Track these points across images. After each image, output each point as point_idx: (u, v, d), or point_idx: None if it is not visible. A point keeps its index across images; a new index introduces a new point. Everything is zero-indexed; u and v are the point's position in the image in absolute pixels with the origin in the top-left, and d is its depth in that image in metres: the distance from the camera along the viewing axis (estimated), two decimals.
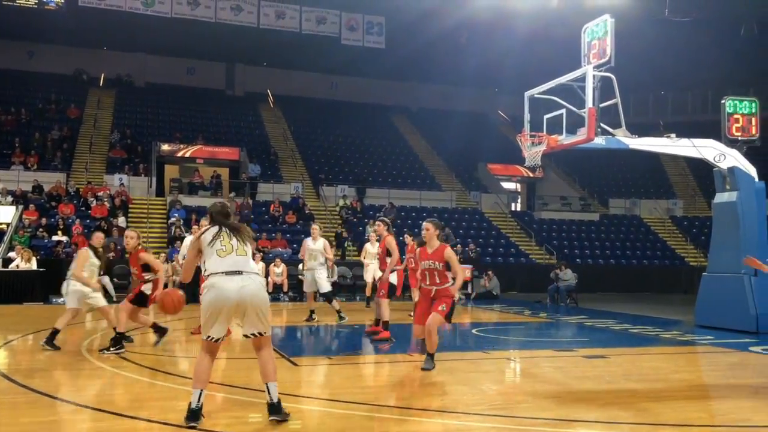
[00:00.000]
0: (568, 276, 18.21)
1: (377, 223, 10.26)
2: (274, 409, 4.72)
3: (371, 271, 14.11)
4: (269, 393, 4.73)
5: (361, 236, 23.28)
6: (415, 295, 11.50)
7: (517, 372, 7.63)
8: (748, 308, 10.78)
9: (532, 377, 7.09)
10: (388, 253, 9.83)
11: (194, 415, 4.58)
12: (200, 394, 4.61)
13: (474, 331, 10.92)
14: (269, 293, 17.79)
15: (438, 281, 6.90)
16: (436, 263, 6.87)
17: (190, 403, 4.62)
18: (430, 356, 6.92)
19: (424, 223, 7.13)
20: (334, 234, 23.07)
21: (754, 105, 12.38)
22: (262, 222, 23.51)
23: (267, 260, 19.12)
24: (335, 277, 18.65)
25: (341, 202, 25.88)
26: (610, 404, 5.55)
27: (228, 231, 4.87)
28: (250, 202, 24.78)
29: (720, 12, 26.77)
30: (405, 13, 28.50)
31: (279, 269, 18.45)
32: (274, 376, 4.77)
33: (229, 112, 33.27)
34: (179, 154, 28.12)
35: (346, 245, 22.67)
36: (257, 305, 4.72)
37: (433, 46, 30.52)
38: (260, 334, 4.77)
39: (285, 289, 18.30)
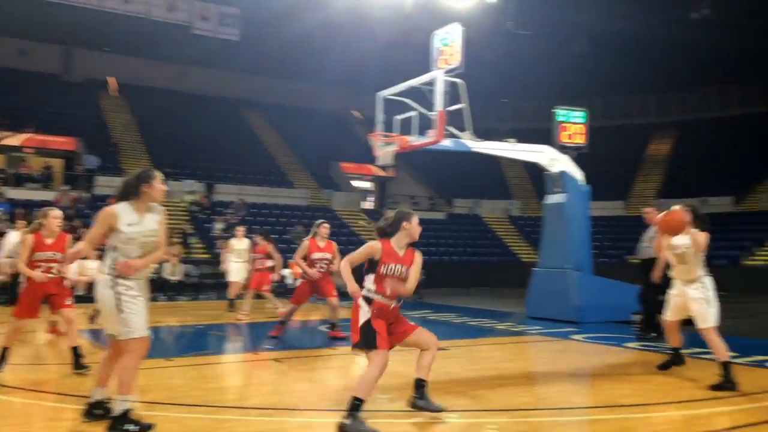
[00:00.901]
0: None
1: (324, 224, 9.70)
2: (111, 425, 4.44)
3: (238, 270, 13.34)
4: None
5: (207, 233, 22.59)
6: (249, 296, 11.51)
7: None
8: (571, 300, 11.79)
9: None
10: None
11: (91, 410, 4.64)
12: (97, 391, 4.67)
13: (322, 327, 10.98)
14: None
15: None
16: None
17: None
18: None
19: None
20: (180, 230, 22.18)
21: (583, 115, 13.60)
22: None
23: None
24: (179, 276, 17.95)
25: (188, 198, 24.91)
26: (448, 393, 5.84)
27: None
28: (87, 195, 23.13)
29: (555, 27, 29.08)
30: (261, 8, 27.99)
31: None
32: (121, 388, 4.45)
33: (66, 98, 30.73)
34: (4, 142, 25.50)
35: (189, 242, 21.87)
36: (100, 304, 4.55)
37: (290, 44, 30.25)
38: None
39: None
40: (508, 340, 9.58)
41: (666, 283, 8.86)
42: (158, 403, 5.28)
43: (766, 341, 10.01)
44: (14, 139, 25.54)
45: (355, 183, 33.19)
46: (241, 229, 13.77)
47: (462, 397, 5.73)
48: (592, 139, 14.41)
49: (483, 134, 13.15)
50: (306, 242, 9.45)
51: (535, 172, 29.11)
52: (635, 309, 10.99)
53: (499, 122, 36.96)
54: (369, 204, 33.97)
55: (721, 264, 23.02)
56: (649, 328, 9.28)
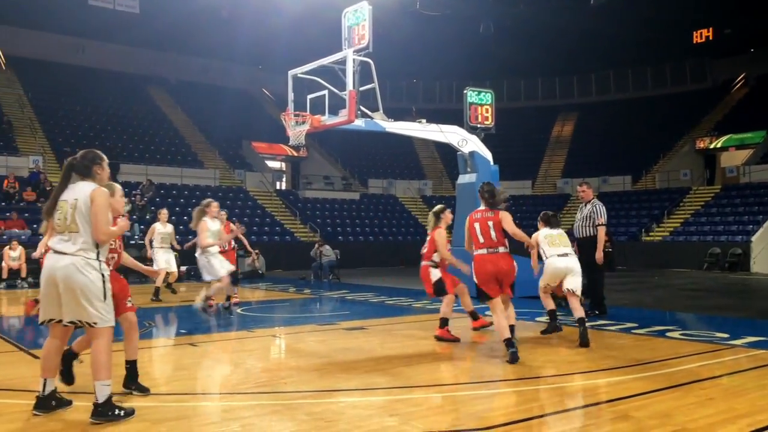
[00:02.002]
0: (329, 252, 18.86)
1: None
2: (96, 412, 4.31)
3: (166, 257, 12.46)
4: (95, 392, 4.34)
5: None
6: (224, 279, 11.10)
7: (282, 348, 7.74)
8: None
9: (296, 352, 7.24)
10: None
11: (42, 403, 4.39)
12: (45, 382, 4.42)
13: (239, 310, 10.81)
14: (3, 280, 15.87)
15: None
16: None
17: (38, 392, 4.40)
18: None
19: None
20: None
21: (490, 96, 13.91)
22: None
23: (1, 243, 16.87)
24: None
25: None
26: (369, 372, 5.90)
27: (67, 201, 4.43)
28: None
29: (463, 10, 29.54)
30: None
31: (15, 252, 16.40)
32: (100, 374, 4.34)
33: None
34: None
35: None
36: (71, 288, 4.25)
37: (194, 18, 29.21)
38: (80, 322, 4.33)
39: (23, 274, 16.34)
40: (426, 318, 9.75)
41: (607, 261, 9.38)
42: (66, 392, 5.03)
43: (664, 312, 10.71)
44: None
45: (268, 163, 32.67)
46: (164, 213, 12.89)
47: (382, 375, 5.80)
48: (500, 120, 14.81)
49: (395, 114, 13.26)
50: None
51: (446, 152, 29.74)
52: None
53: (410, 102, 37.37)
54: (282, 184, 33.56)
55: (621, 240, 24.40)
56: (595, 306, 9.53)
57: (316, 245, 19.23)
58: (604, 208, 9.64)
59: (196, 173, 27.23)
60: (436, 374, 5.90)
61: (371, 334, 8.24)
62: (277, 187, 31.30)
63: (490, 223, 6.71)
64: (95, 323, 4.34)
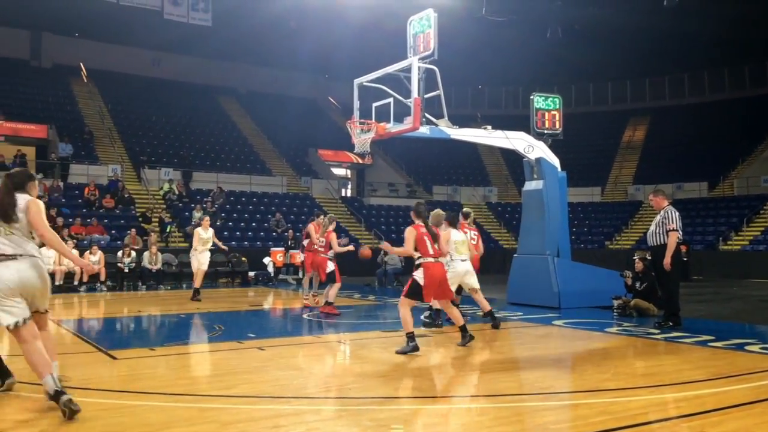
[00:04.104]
0: (393, 259, 18.92)
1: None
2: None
3: (204, 259, 13.69)
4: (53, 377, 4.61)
5: (187, 222, 22.37)
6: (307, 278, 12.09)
7: (347, 354, 7.81)
8: (552, 286, 11.91)
9: (361, 359, 7.29)
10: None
11: (57, 395, 4.52)
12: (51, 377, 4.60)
13: (305, 316, 10.98)
14: (83, 283, 16.65)
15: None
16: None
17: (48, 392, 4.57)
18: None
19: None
20: (157, 219, 21.93)
21: (557, 101, 13.66)
22: (76, 206, 21.69)
23: (82, 247, 17.71)
24: (159, 265, 17.79)
25: (166, 186, 24.62)
26: (432, 379, 5.88)
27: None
28: (61, 184, 22.75)
29: (529, 14, 29.13)
30: None
31: (96, 257, 17.17)
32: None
33: (35, 85, 30.15)
34: None
35: (169, 230, 21.64)
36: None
37: (263, 29, 29.95)
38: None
39: (102, 278, 17.10)
40: (489, 326, 9.64)
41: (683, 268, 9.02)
42: (143, 392, 5.24)
43: (742, 325, 10.22)
44: None
45: (334, 170, 33.09)
46: (207, 220, 14.10)
47: (446, 382, 5.77)
48: (568, 125, 14.53)
49: (460, 121, 13.17)
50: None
51: (512, 158, 29.36)
52: (615, 294, 11.16)
53: (476, 109, 37.12)
54: (348, 191, 33.92)
55: (697, 249, 23.46)
56: (669, 317, 9.24)
57: (382, 252, 19.31)
58: (677, 214, 9.31)
59: (264, 180, 27.85)
60: (499, 384, 5.81)
61: (434, 342, 8.21)
62: (343, 194, 31.65)
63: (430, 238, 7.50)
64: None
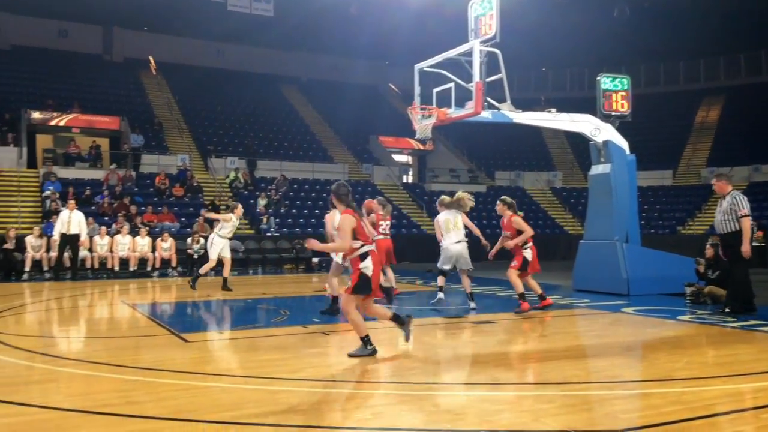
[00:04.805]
0: None
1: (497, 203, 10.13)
2: None
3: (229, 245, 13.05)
4: None
5: (253, 209, 22.87)
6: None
7: (410, 340, 7.82)
8: (620, 272, 11.59)
9: (423, 344, 7.30)
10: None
11: None
12: None
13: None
14: (156, 269, 17.32)
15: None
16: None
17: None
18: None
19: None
20: (224, 207, 22.49)
21: (626, 82, 13.20)
22: (147, 195, 22.51)
23: (154, 234, 18.38)
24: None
25: (232, 175, 25.21)
26: (497, 366, 5.82)
27: None
28: (134, 174, 23.62)
29: None
30: None
31: (167, 244, 17.79)
32: None
33: (108, 78, 31.32)
34: (53, 123, 26.21)
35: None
36: None
37: (323, 16, 30.15)
38: None
39: (173, 264, 17.70)
40: (556, 314, 9.48)
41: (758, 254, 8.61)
42: (214, 374, 5.40)
43: None
44: (61, 120, 26.15)
45: (395, 156, 33.11)
46: (240, 208, 13.36)
47: (512, 370, 5.71)
48: (637, 107, 14.04)
49: (523, 105, 12.92)
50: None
51: (578, 142, 28.66)
52: (687, 281, 10.78)
53: (539, 92, 36.37)
54: (409, 178, 33.90)
55: None
56: (741, 306, 8.84)
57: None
58: (744, 198, 8.91)
59: (326, 168, 28.13)
60: (567, 372, 5.70)
61: (500, 328, 8.14)
62: (404, 181, 31.65)
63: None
64: None
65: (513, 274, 9.58)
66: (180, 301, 11.95)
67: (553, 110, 12.77)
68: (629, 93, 13.16)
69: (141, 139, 26.31)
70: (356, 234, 6.22)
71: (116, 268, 17.20)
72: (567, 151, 35.30)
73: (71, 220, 15.42)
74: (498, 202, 9.82)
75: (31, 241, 16.30)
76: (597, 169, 12.73)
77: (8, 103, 26.38)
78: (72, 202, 16.14)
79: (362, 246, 6.28)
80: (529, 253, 9.63)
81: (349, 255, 6.34)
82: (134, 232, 18.12)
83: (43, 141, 26.53)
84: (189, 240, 18.26)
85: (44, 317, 8.60)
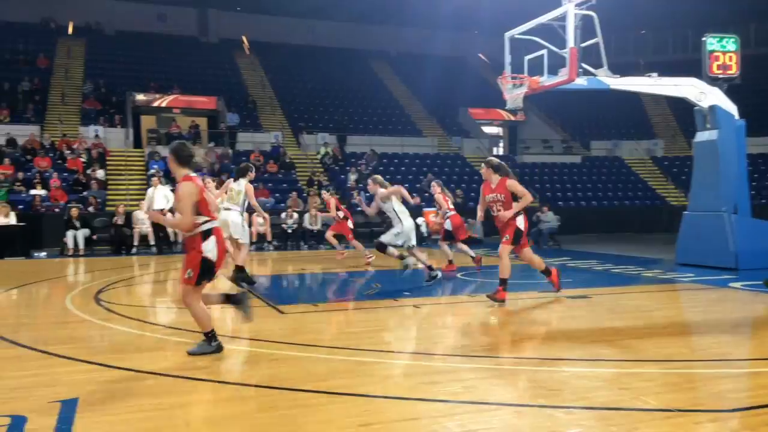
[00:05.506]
0: (549, 218, 18.36)
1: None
2: None
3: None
4: None
5: (343, 184, 23.20)
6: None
7: (502, 314, 7.72)
8: (728, 245, 10.93)
9: (516, 319, 7.18)
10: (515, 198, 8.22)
11: None
12: None
13: (459, 275, 11.00)
14: (252, 243, 17.99)
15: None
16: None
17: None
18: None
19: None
20: (316, 183, 22.94)
21: (734, 42, 12.29)
22: None
23: (249, 210, 18.99)
24: (319, 225, 18.65)
25: (322, 150, 25.64)
26: (594, 342, 5.64)
27: None
28: (230, 152, 24.47)
29: None
30: None
31: (262, 219, 18.36)
32: None
33: (204, 59, 32.47)
34: (155, 104, 27.57)
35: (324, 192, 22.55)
36: None
37: None
38: None
39: (269, 238, 18.29)
40: (657, 288, 9.08)
41: None
42: (307, 345, 5.54)
43: None
44: (163, 101, 27.42)
45: (485, 129, 32.55)
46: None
47: (611, 346, 5.51)
48: (747, 69, 13.07)
49: (621, 70, 12.31)
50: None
51: (681, 108, 27.10)
52: None
53: (638, 56, 34.54)
54: (500, 150, 33.30)
55: None
56: None
57: (540, 210, 18.82)
58: None
59: (415, 142, 28.06)
60: (669, 349, 5.44)
61: (596, 303, 7.88)
62: (495, 153, 31.09)
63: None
64: None
65: (505, 252, 7.76)
66: (276, 274, 12.34)
67: (654, 75, 12.10)
68: (738, 54, 12.25)
69: (236, 117, 27.18)
70: (199, 207, 5.12)
71: None
72: (669, 117, 33.49)
73: (155, 196, 16.19)
74: (483, 164, 8.31)
75: (138, 216, 17.27)
76: (702, 136, 12.01)
77: (115, 86, 27.92)
78: (155, 179, 16.89)
79: (205, 222, 5.19)
80: (521, 222, 7.81)
81: (188, 232, 5.18)
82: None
83: (147, 122, 27.98)
84: (283, 215, 18.76)
85: (151, 289, 9.11)
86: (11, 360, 5.24)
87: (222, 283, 9.10)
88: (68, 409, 3.86)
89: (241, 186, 9.63)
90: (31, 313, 7.60)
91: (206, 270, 5.11)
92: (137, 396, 4.25)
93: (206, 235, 5.13)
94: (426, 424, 3.63)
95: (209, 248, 5.10)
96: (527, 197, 7.73)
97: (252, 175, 9.98)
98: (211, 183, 11.03)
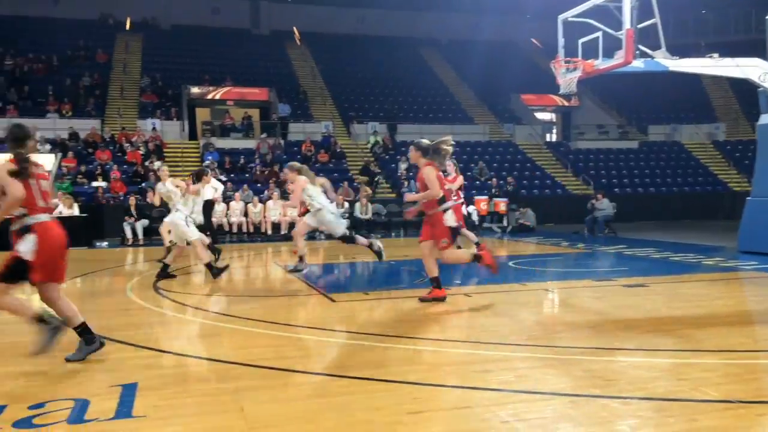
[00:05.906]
0: (605, 205, 17.96)
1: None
2: None
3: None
4: None
5: (394, 173, 23.21)
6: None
7: (556, 303, 7.60)
8: None
9: (570, 307, 7.06)
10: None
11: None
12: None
13: (511, 263, 10.88)
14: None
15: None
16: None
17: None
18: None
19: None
20: (368, 172, 23.02)
21: None
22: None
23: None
24: (369, 215, 18.71)
25: (372, 139, 25.69)
26: (651, 332, 5.50)
27: None
28: (282, 142, 24.78)
29: None
30: None
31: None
32: None
33: (256, 51, 32.91)
34: (209, 97, 28.12)
35: (378, 181, 22.63)
36: None
37: None
38: None
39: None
40: (719, 277, 8.77)
41: None
42: (359, 332, 5.58)
43: None
44: (216, 94, 27.95)
45: (538, 115, 32.01)
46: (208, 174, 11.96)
47: (669, 336, 5.36)
48: None
49: (680, 51, 11.92)
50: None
51: (744, 89, 26.02)
52: None
53: (698, 37, 33.25)
54: (553, 136, 32.70)
55: None
56: None
57: (595, 197, 18.43)
58: None
59: (466, 129, 27.79)
60: (731, 339, 5.26)
61: (653, 292, 7.67)
62: (547, 139, 30.54)
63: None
64: None
65: (450, 256, 7.12)
66: (328, 262, 12.47)
67: (715, 55, 11.67)
68: None
69: (288, 108, 27.49)
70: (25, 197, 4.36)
71: (269, 232, 18.29)
72: (731, 100, 32.23)
73: (205, 189, 16.44)
74: (411, 147, 7.19)
75: None
76: (766, 119, 11.52)
77: (170, 80, 28.61)
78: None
79: (24, 216, 4.46)
80: (451, 218, 6.95)
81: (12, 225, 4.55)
82: (285, 197, 19.05)
83: (202, 114, 28.59)
84: (334, 204, 18.87)
85: (207, 278, 9.32)
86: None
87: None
88: (128, 392, 4.00)
89: (170, 187, 9.77)
90: (94, 300, 7.90)
91: (16, 269, 4.48)
92: (193, 381, 4.36)
93: (23, 231, 4.48)
94: (478, 413, 3.61)
95: (27, 247, 4.44)
96: (430, 192, 6.78)
97: (208, 179, 10.65)
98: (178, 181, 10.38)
